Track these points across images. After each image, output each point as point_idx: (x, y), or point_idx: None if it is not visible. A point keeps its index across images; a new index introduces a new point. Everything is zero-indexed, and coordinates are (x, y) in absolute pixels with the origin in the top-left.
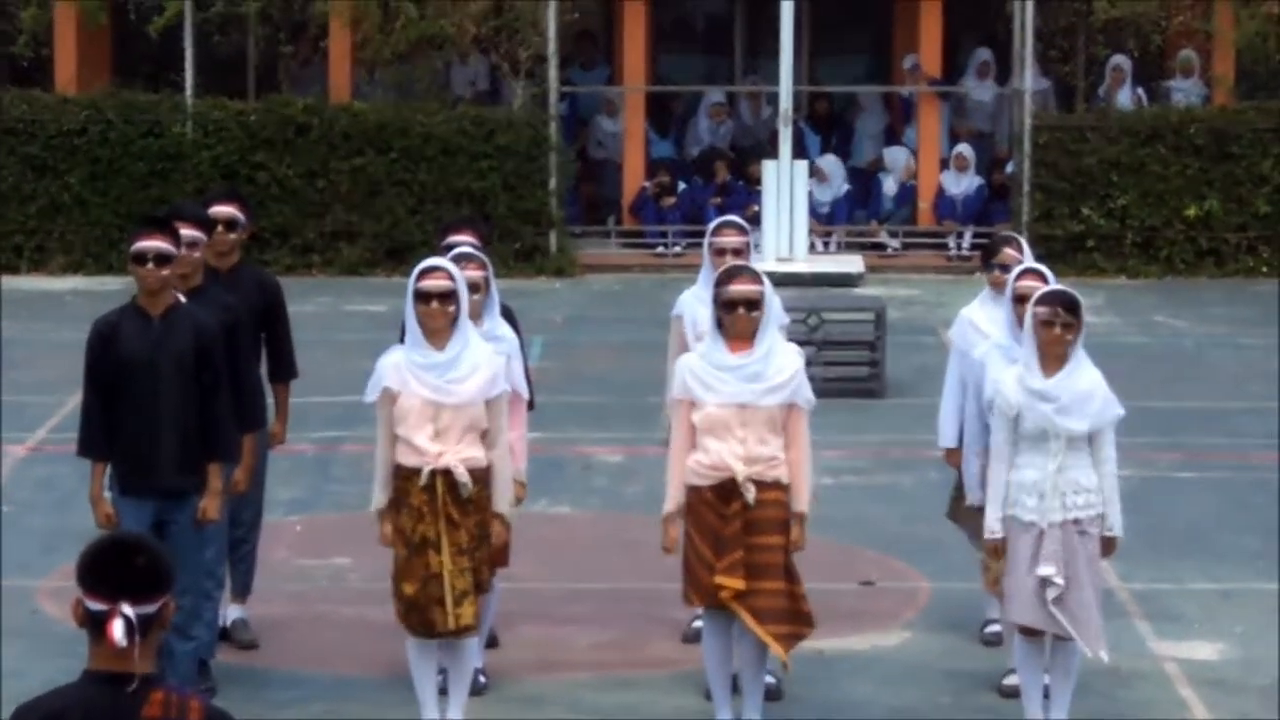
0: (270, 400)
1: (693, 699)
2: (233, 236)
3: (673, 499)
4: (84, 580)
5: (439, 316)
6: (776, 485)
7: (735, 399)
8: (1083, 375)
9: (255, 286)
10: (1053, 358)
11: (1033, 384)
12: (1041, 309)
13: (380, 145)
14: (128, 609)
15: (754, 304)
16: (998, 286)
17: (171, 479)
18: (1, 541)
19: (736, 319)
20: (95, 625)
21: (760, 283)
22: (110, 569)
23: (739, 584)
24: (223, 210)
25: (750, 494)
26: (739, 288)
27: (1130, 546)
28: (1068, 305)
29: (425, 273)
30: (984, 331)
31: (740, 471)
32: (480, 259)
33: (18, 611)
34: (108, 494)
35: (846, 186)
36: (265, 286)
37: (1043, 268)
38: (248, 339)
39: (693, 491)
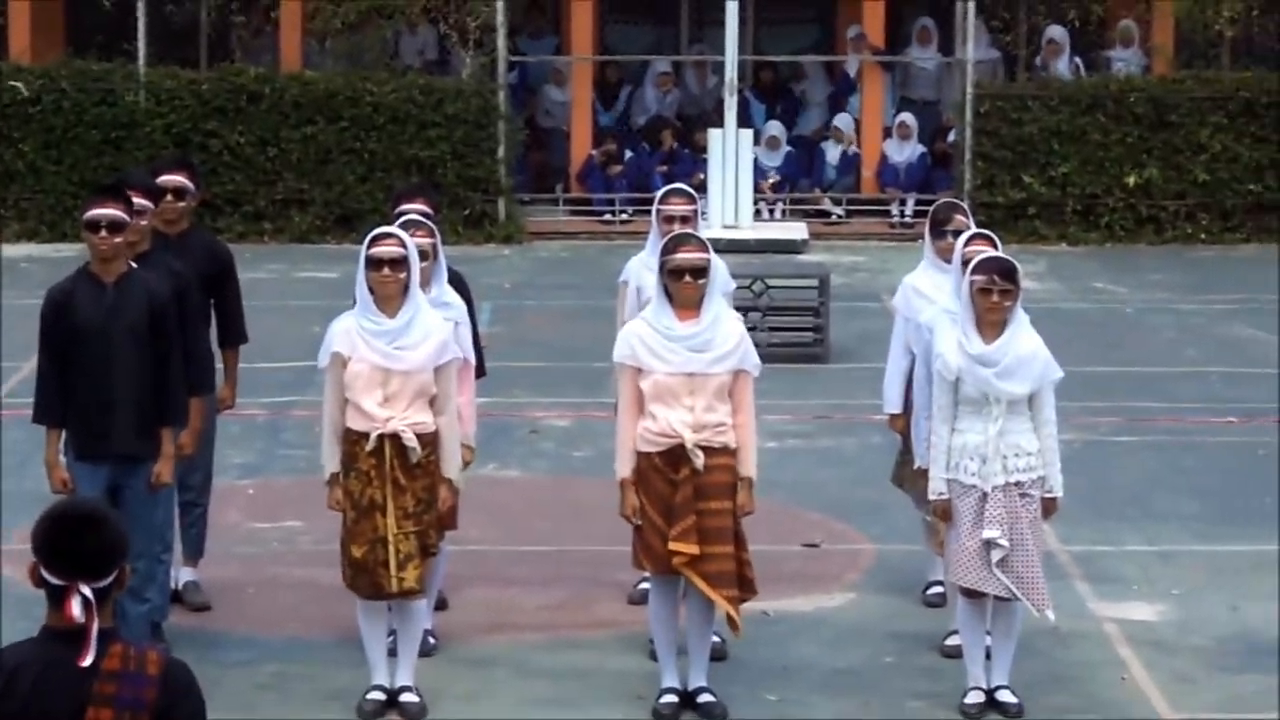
0: (220, 365)
1: (639, 660)
2: (181, 204)
3: (626, 463)
4: (40, 553)
5: (390, 283)
6: (725, 450)
7: (684, 368)
8: (1022, 339)
9: (205, 253)
10: (990, 324)
11: (972, 349)
12: (978, 277)
13: (330, 114)
14: (85, 588)
15: (700, 272)
16: (947, 254)
17: (126, 444)
18: None
19: (683, 286)
20: (53, 595)
21: (706, 250)
22: (65, 547)
23: (693, 549)
24: (171, 179)
25: (699, 460)
26: (685, 255)
27: (1070, 509)
28: (1004, 272)
29: (377, 239)
30: (928, 297)
31: (689, 438)
32: (428, 226)
33: None
34: (63, 459)
35: (790, 151)
36: (215, 253)
37: (990, 234)
38: (196, 304)
39: (642, 457)
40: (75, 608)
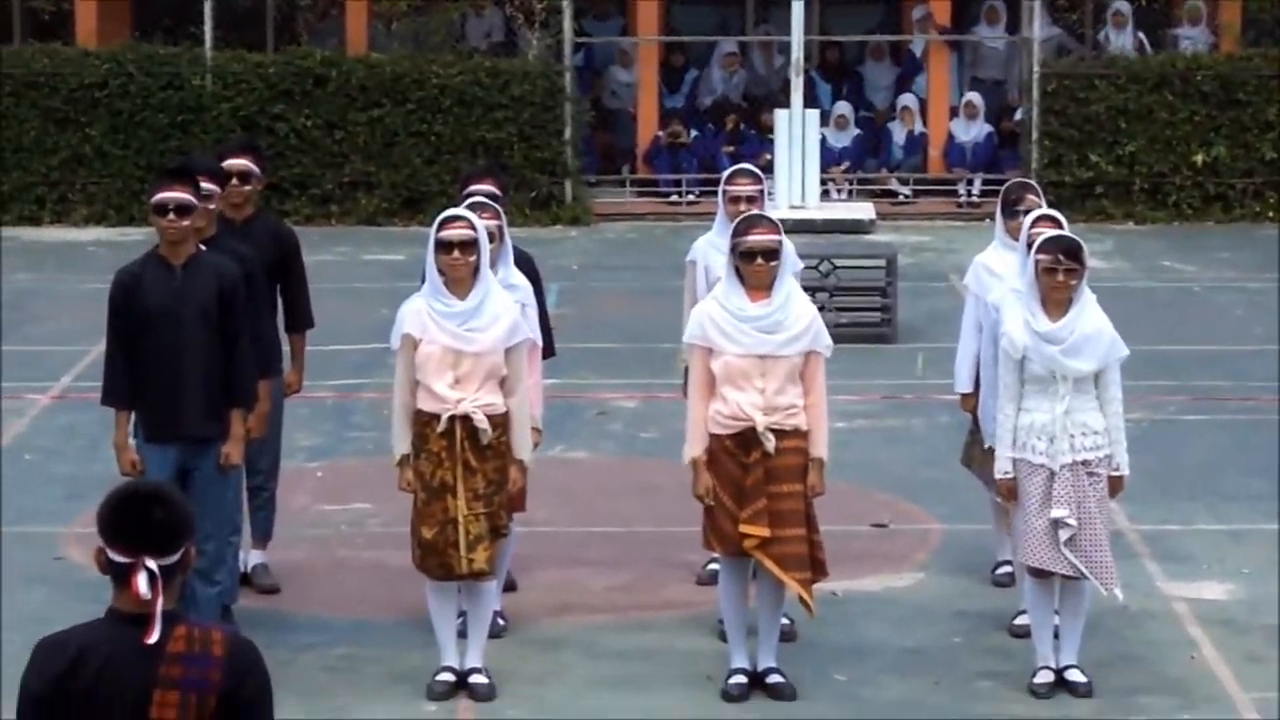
0: (287, 350)
1: (708, 641)
2: (247, 188)
3: (698, 443)
4: (106, 533)
5: (461, 266)
6: (796, 433)
7: (756, 349)
8: (1088, 317)
9: (270, 237)
10: (1055, 302)
11: (1038, 327)
12: (1043, 256)
13: (397, 96)
14: (151, 563)
15: (772, 253)
16: (1018, 233)
17: (196, 426)
18: (26, 489)
19: (755, 268)
20: (119, 575)
21: (778, 232)
22: (131, 523)
23: (764, 532)
24: (236, 163)
25: (770, 443)
26: (757, 237)
27: (1139, 488)
28: (1068, 251)
29: (447, 222)
30: (999, 275)
31: (760, 421)
32: (494, 208)
33: (43, 557)
34: (133, 441)
35: (857, 132)
36: (280, 237)
37: (1057, 214)
38: (263, 288)
39: (713, 440)
40: (142, 583)
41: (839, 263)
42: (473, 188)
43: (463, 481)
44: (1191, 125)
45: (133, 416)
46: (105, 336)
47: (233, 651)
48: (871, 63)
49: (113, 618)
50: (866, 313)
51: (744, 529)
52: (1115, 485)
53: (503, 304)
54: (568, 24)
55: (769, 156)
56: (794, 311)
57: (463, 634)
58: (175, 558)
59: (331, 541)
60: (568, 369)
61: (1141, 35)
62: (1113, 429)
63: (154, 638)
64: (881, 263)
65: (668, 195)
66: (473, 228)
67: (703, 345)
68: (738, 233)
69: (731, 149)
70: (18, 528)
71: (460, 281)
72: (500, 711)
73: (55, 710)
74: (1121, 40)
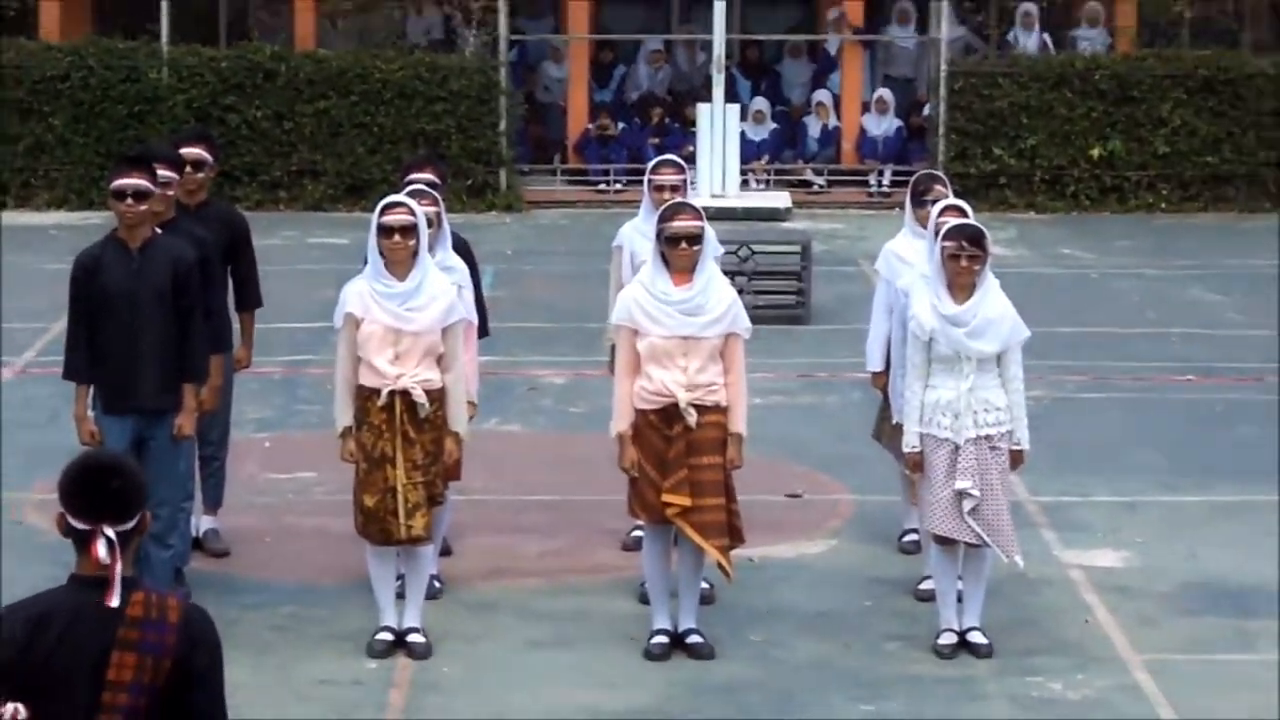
0: (237, 327)
1: (632, 603)
2: (200, 175)
3: (624, 418)
4: (66, 501)
5: (401, 249)
6: (716, 409)
7: (679, 331)
8: (991, 301)
9: (222, 221)
10: (960, 287)
11: (944, 310)
12: (948, 243)
13: (342, 90)
14: (109, 530)
15: (695, 239)
16: (926, 221)
17: (151, 399)
18: None
19: (679, 253)
20: (79, 540)
21: (700, 219)
22: (90, 492)
23: (685, 501)
24: (191, 151)
25: (692, 418)
26: (682, 223)
27: (1039, 462)
28: (972, 238)
29: (388, 208)
30: (908, 262)
31: (683, 398)
32: (433, 195)
33: (3, 522)
34: (91, 413)
35: (774, 126)
36: (232, 221)
37: (962, 203)
38: (215, 269)
39: (639, 415)
40: (101, 549)
41: (757, 248)
42: (413, 176)
43: (402, 452)
44: (1089, 121)
45: (91, 390)
46: (66, 315)
47: (188, 618)
48: (789, 60)
49: (74, 583)
50: (783, 295)
51: (666, 498)
52: (1016, 459)
53: (440, 285)
54: (503, 22)
55: (692, 148)
56: (715, 295)
57: (401, 595)
58: (131, 524)
59: (278, 508)
60: (501, 347)
61: (1047, 37)
62: (1014, 406)
63: (114, 601)
64: (797, 249)
65: (596, 184)
66: (412, 213)
67: (629, 327)
68: (663, 219)
69: (657, 141)
70: None
71: (400, 264)
72: (436, 668)
73: (19, 672)
74: (1029, 40)
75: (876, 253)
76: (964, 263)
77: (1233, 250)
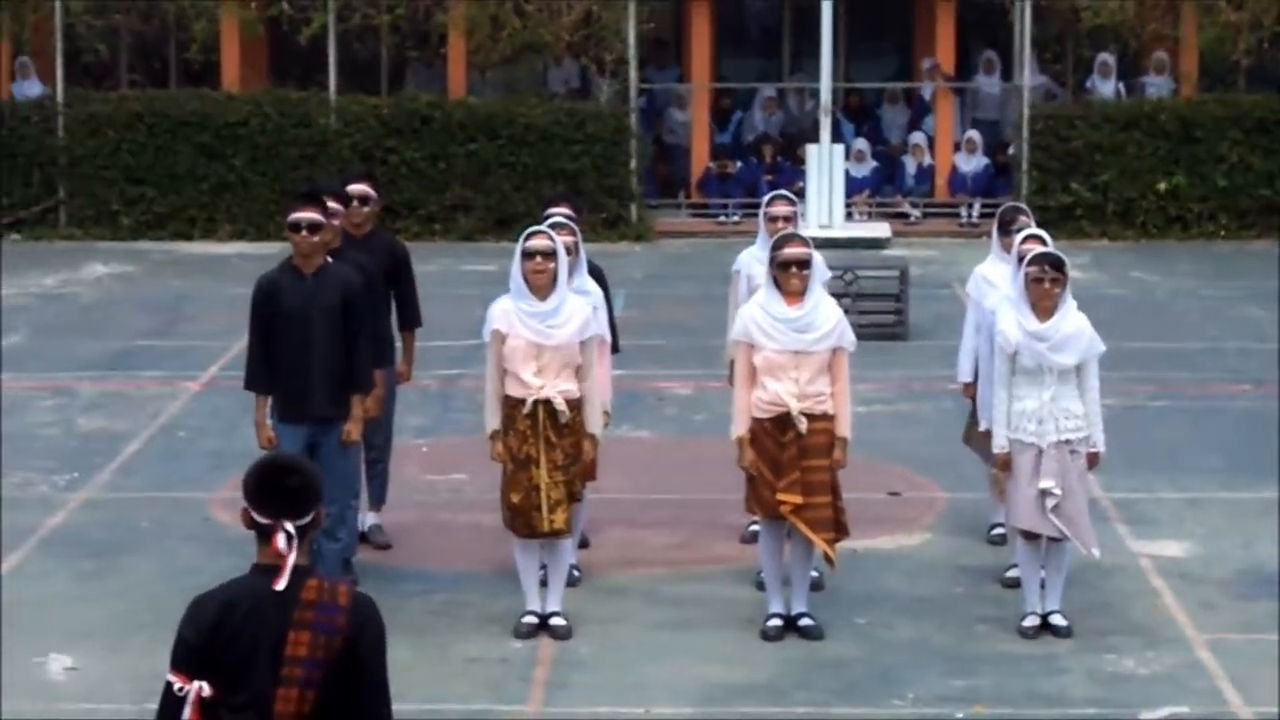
0: (399, 345)
1: (749, 590)
2: (366, 209)
3: (743, 424)
4: (249, 497)
5: (542, 272)
6: (824, 416)
7: (791, 346)
8: (1070, 319)
9: (386, 249)
10: (1043, 308)
11: (1029, 327)
12: (1032, 268)
13: (490, 133)
14: (289, 525)
15: (805, 264)
16: (1010, 248)
17: (322, 408)
18: (179, 460)
19: (790, 277)
20: (261, 533)
21: (809, 247)
22: (272, 489)
23: (797, 499)
24: (357, 188)
25: (803, 425)
26: (792, 250)
27: (1112, 462)
28: (1053, 264)
29: (531, 235)
30: (995, 285)
31: (794, 406)
32: (571, 226)
33: (193, 519)
34: (269, 421)
35: (875, 164)
36: (394, 249)
37: (1042, 233)
38: (379, 292)
39: (754, 422)
40: (281, 541)
41: (860, 273)
42: (551, 210)
43: (544, 454)
44: (1156, 158)
45: (269, 399)
46: (247, 332)
47: (356, 603)
48: (887, 106)
49: (256, 571)
50: (883, 315)
51: (781, 496)
52: (1093, 460)
53: (577, 306)
54: (633, 73)
55: (801, 184)
56: (823, 314)
57: (544, 583)
58: (308, 519)
59: (434, 506)
60: (632, 362)
61: (1120, 84)
62: (1091, 413)
63: (281, 585)
64: (895, 273)
65: (716, 216)
66: (552, 240)
67: (746, 342)
68: (776, 247)
69: (770, 178)
70: (173, 493)
71: (541, 287)
72: (575, 649)
73: (208, 654)
74: (1105, 87)
75: (967, 277)
76: (1046, 285)
77: None
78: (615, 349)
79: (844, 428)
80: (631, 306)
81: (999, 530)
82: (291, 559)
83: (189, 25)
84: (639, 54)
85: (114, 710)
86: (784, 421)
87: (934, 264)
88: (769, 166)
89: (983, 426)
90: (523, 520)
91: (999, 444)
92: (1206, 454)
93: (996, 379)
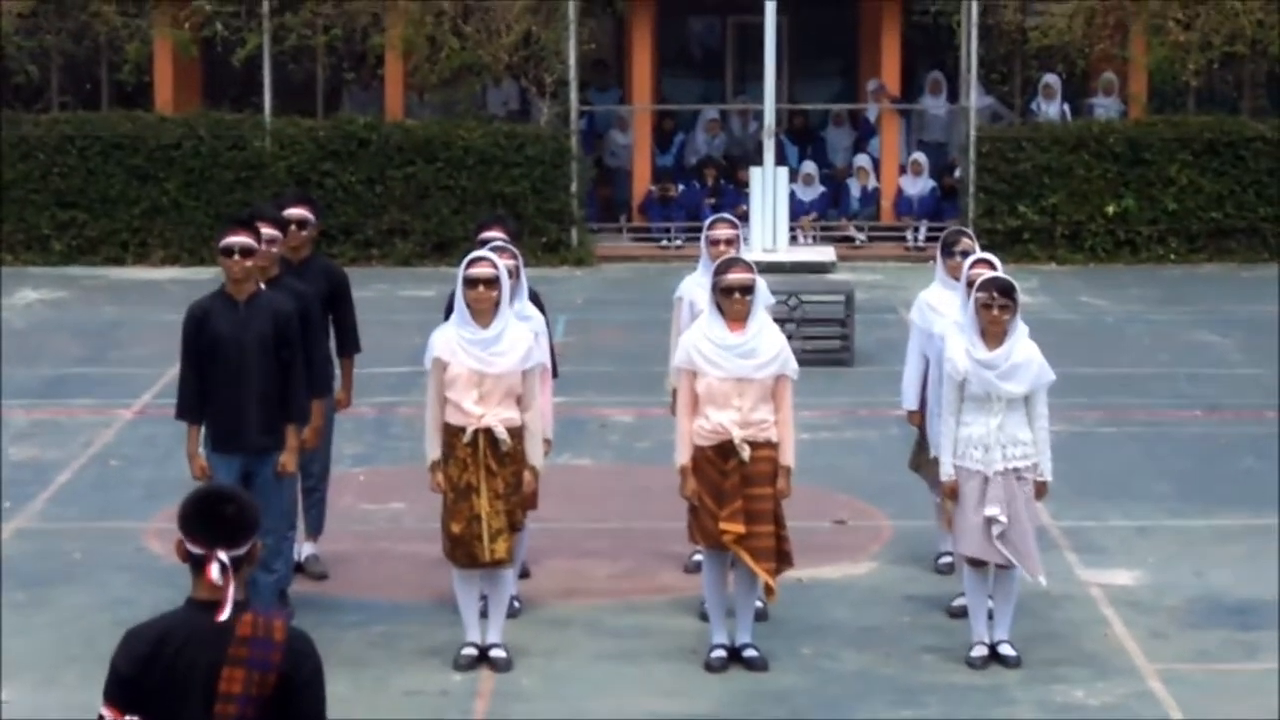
0: (337, 371)
1: (692, 621)
2: (304, 234)
3: (685, 453)
4: (184, 527)
5: (485, 300)
6: (768, 444)
7: (734, 373)
8: (1019, 347)
9: (324, 275)
10: (992, 335)
11: (977, 355)
12: (982, 294)
13: (428, 156)
14: (223, 554)
15: (747, 289)
16: (956, 272)
17: (256, 438)
18: (112, 490)
19: (733, 302)
20: (195, 564)
21: (752, 272)
22: (206, 519)
23: (740, 528)
24: (295, 212)
25: (745, 453)
26: (735, 276)
27: (1060, 490)
28: (1004, 290)
29: (473, 262)
30: (939, 311)
31: (737, 434)
32: (512, 250)
33: (126, 549)
34: (202, 450)
35: (822, 189)
36: (332, 275)
37: (992, 257)
38: (317, 319)
39: (697, 450)
40: (214, 572)
41: (805, 298)
42: (485, 234)
43: (485, 483)
44: (1105, 181)
45: (201, 429)
46: (179, 360)
47: (291, 638)
48: (832, 128)
49: (190, 605)
50: (828, 340)
51: (723, 526)
52: (1040, 489)
53: (519, 333)
54: (573, 94)
55: (745, 207)
56: (766, 341)
57: (484, 614)
58: (244, 550)
59: (373, 535)
60: (573, 389)
61: (1066, 106)
62: (1039, 441)
63: (224, 616)
64: (841, 298)
65: (659, 240)
66: (495, 267)
67: (689, 370)
68: (718, 272)
69: (713, 201)
70: (105, 523)
71: (484, 313)
72: (516, 681)
73: (141, 686)
74: (1051, 109)
75: (912, 301)
76: (996, 312)
77: (1235, 297)
78: (555, 375)
79: (788, 457)
80: (573, 332)
81: (946, 559)
82: (231, 590)
83: (121, 46)
84: (580, 75)
85: None
86: (727, 449)
87: (880, 288)
88: (711, 189)
89: (931, 454)
90: (463, 550)
91: (946, 472)
92: (1156, 481)
93: (945, 406)
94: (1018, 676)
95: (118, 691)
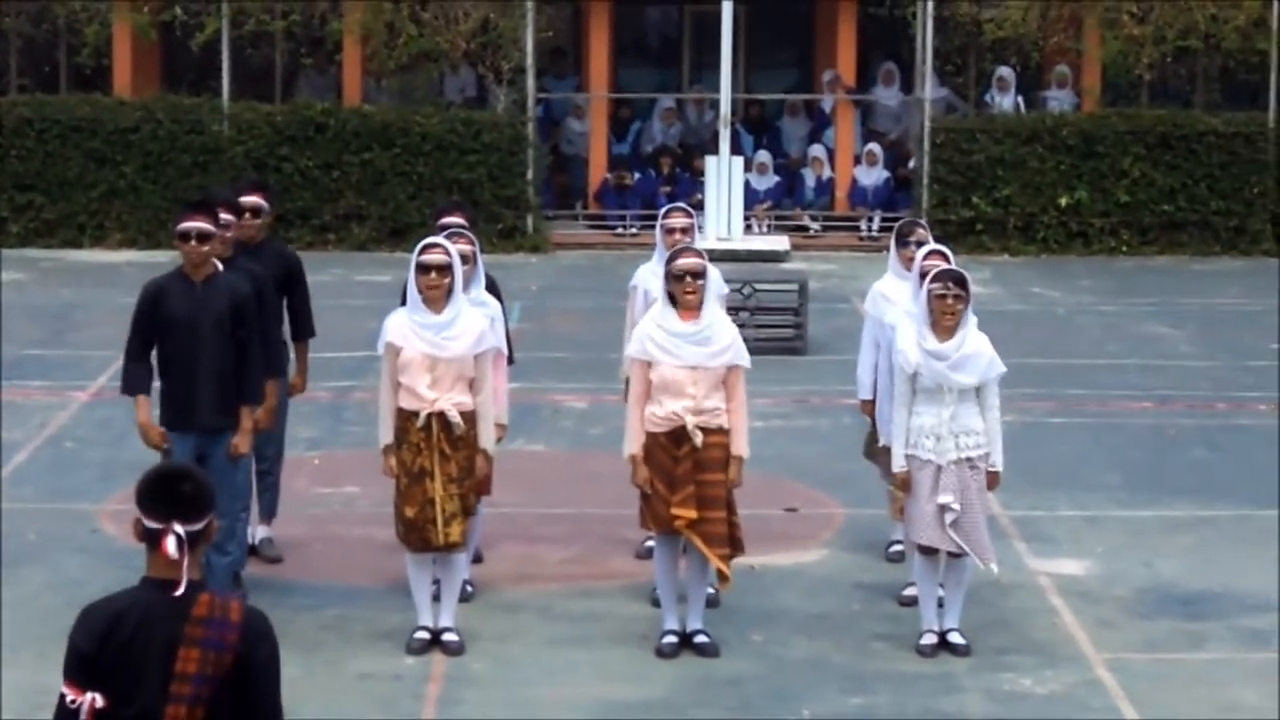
0: (292, 355)
1: (644, 606)
2: (259, 221)
3: (636, 441)
4: (141, 503)
5: (437, 286)
6: (720, 431)
7: (688, 361)
8: (971, 339)
9: (278, 259)
10: (944, 326)
11: (928, 346)
12: (935, 285)
13: (385, 142)
14: (179, 527)
15: (698, 274)
16: (909, 262)
17: (210, 419)
18: (67, 472)
19: (684, 288)
20: (152, 540)
21: (703, 258)
22: (163, 494)
23: (691, 514)
24: (250, 200)
25: (698, 439)
26: (685, 261)
27: (1011, 480)
28: (957, 281)
29: (427, 248)
30: (892, 300)
31: (690, 421)
32: (469, 236)
33: (81, 531)
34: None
35: (777, 178)
36: (287, 259)
37: (944, 248)
38: (271, 302)
39: (650, 437)
40: (170, 545)
41: (759, 286)
42: (444, 220)
43: (439, 467)
44: (1058, 173)
45: (148, 400)
46: (129, 334)
47: (248, 619)
48: (788, 118)
49: (146, 584)
50: (781, 329)
51: (675, 511)
52: (992, 479)
53: (472, 317)
54: (530, 82)
55: (700, 196)
56: (719, 330)
57: (436, 598)
58: (200, 526)
59: (326, 519)
60: (527, 375)
61: (1020, 98)
62: (991, 433)
63: (180, 590)
64: (795, 287)
65: (614, 228)
66: (448, 254)
67: (643, 360)
68: (670, 260)
69: (668, 189)
70: (60, 505)
71: (436, 299)
72: (468, 665)
73: (99, 663)
74: (1005, 102)
75: (866, 291)
76: (949, 303)
77: (1186, 290)
78: (511, 361)
79: (740, 446)
80: (528, 318)
81: (897, 547)
82: (186, 565)
83: (80, 29)
84: (537, 63)
85: None
86: (679, 436)
87: (833, 277)
88: (667, 178)
89: (882, 442)
90: (417, 534)
91: (898, 464)
92: (1106, 472)
93: (896, 398)
94: (967, 664)
95: (78, 667)
